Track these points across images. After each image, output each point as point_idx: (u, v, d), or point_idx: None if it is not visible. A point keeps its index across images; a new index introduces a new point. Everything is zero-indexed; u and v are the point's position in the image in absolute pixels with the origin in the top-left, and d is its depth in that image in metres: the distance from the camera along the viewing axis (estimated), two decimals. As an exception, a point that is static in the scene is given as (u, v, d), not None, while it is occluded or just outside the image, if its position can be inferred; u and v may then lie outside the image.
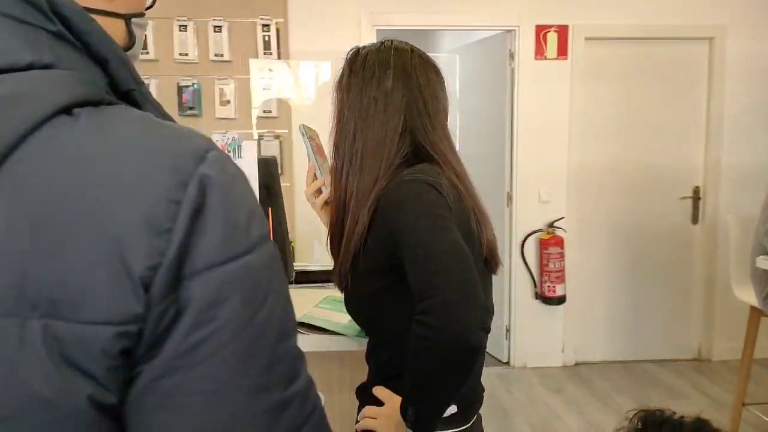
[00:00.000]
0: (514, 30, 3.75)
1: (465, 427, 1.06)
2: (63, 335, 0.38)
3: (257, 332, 0.43)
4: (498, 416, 3.24)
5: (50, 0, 0.45)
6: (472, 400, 1.09)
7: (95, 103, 0.44)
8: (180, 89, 3.42)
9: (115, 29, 0.54)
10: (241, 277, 0.42)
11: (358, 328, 1.23)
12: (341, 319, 1.37)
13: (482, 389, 1.15)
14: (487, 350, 3.72)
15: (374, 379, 1.10)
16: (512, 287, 3.93)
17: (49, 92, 0.42)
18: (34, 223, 0.39)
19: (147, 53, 3.37)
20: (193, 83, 3.42)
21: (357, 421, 1.08)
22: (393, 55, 1.09)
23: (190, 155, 0.43)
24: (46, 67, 0.44)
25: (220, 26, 3.42)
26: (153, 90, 3.38)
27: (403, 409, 0.92)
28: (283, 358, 0.45)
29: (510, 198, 3.91)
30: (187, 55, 3.40)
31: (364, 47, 1.13)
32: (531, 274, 3.89)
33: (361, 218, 1.03)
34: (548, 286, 3.80)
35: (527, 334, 3.94)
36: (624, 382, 3.68)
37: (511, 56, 3.81)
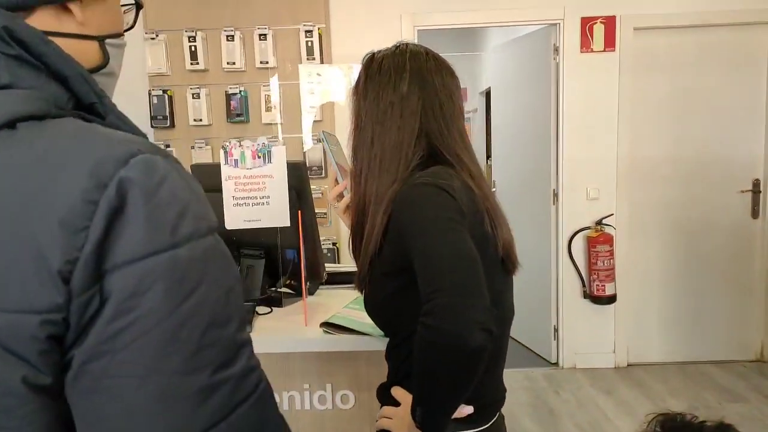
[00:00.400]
0: (558, 23, 3.68)
1: (484, 427, 1.07)
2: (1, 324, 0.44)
3: (182, 320, 0.47)
4: (544, 418, 3.19)
5: (8, 27, 0.51)
6: (490, 400, 1.09)
7: (40, 117, 0.50)
8: (228, 97, 3.54)
9: (88, 50, 0.60)
10: (163, 271, 0.46)
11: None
12: (369, 320, 1.40)
13: (504, 390, 1.15)
14: (534, 351, 3.67)
15: (392, 378, 1.12)
16: (560, 287, 3.86)
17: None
18: None
19: (197, 63, 3.51)
20: (240, 90, 3.54)
21: (376, 421, 1.10)
22: (408, 59, 1.10)
23: (112, 160, 0.47)
24: (5, 87, 0.50)
25: (265, 34, 3.52)
26: (203, 99, 3.53)
27: (413, 410, 0.94)
28: (215, 345, 0.48)
29: (556, 195, 3.84)
30: (234, 63, 3.52)
31: (379, 52, 1.14)
32: (579, 273, 3.80)
33: (378, 221, 1.05)
34: (597, 285, 3.70)
35: (576, 335, 3.86)
36: (679, 384, 3.55)
37: (556, 50, 3.74)
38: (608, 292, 3.70)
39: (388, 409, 1.07)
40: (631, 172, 3.75)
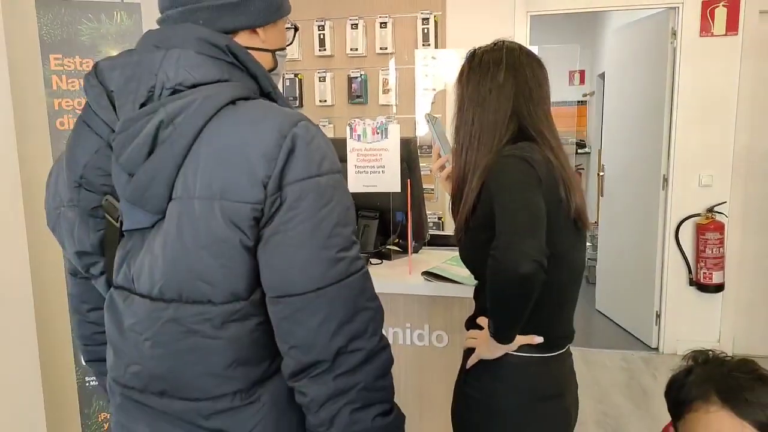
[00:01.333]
0: (678, 7, 3.64)
1: (550, 354, 1.30)
2: (228, 208, 0.78)
3: (322, 218, 0.79)
4: (637, 397, 3.28)
5: (228, 46, 0.86)
6: (559, 334, 1.32)
7: (246, 98, 0.84)
8: (350, 80, 3.91)
9: (265, 58, 0.95)
10: (313, 188, 0.79)
11: (474, 279, 1.51)
12: (462, 273, 1.67)
13: (572, 331, 1.37)
14: (633, 334, 3.75)
15: (478, 312, 1.38)
16: (664, 272, 3.86)
17: (224, 93, 0.82)
18: (217, 158, 0.79)
19: (325, 50, 3.90)
20: (361, 74, 3.89)
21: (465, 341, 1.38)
22: (504, 54, 1.34)
23: (288, 123, 0.80)
24: (226, 80, 0.84)
25: (385, 22, 3.82)
26: (327, 82, 3.92)
27: (489, 324, 1.21)
28: (339, 235, 0.80)
29: (666, 181, 3.82)
30: (357, 49, 3.87)
31: (480, 48, 1.39)
32: (686, 259, 3.78)
33: (474, 185, 1.31)
34: (704, 273, 3.67)
35: (680, 321, 3.85)
36: (788, 379, 3.45)
37: (673, 34, 3.70)
38: (715, 280, 3.66)
39: (473, 332, 1.34)
40: (749, 162, 3.64)
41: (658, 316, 3.93)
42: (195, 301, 0.81)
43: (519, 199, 1.16)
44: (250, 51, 0.89)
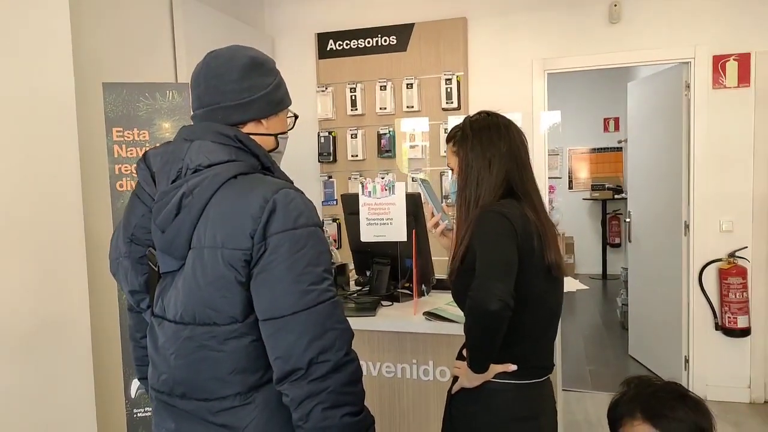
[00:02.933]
0: (690, 61, 3.81)
1: (525, 382, 1.47)
2: (227, 254, 1.04)
3: (296, 260, 1.03)
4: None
5: (235, 135, 1.14)
6: (533, 365, 1.50)
7: (246, 173, 1.11)
8: (379, 136, 4.22)
9: (268, 141, 1.23)
10: (289, 237, 1.03)
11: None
12: (458, 312, 1.87)
13: (550, 363, 1.55)
14: (664, 379, 3.79)
15: (465, 344, 1.59)
16: (690, 317, 3.90)
17: (229, 171, 1.10)
18: (221, 218, 1.06)
19: (356, 109, 4.25)
20: (389, 130, 4.20)
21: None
22: (501, 124, 1.56)
23: (271, 191, 1.06)
24: (233, 160, 1.12)
25: (411, 83, 4.15)
26: (359, 138, 4.25)
27: (466, 355, 1.41)
28: (311, 273, 1.04)
29: (687, 227, 3.91)
30: (385, 108, 4.20)
31: (474, 116, 1.61)
32: (711, 304, 3.82)
33: (465, 235, 1.53)
34: (729, 317, 3.70)
35: (708, 366, 3.85)
36: (821, 427, 3.40)
37: (687, 87, 3.86)
38: (740, 324, 3.68)
39: (457, 362, 1.55)
40: (769, 206, 3.71)
41: (687, 360, 3.94)
42: (204, 323, 1.08)
43: (494, 249, 1.38)
44: (255, 136, 1.18)
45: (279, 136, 1.25)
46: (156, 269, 1.16)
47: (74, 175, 2.25)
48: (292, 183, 1.16)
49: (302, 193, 1.12)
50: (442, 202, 1.67)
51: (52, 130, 2.18)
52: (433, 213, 1.77)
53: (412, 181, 1.81)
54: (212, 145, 1.12)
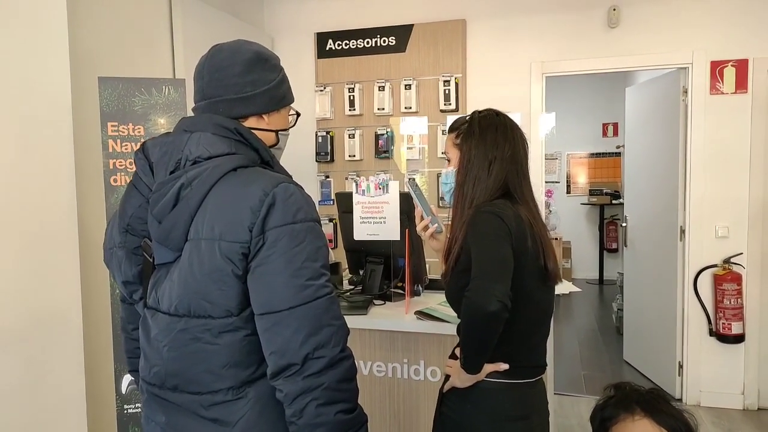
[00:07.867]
0: (687, 67, 3.82)
1: (517, 381, 1.47)
2: (224, 246, 1.03)
3: (294, 254, 1.02)
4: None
5: (236, 128, 1.13)
6: (524, 364, 1.49)
7: (246, 167, 1.11)
8: (377, 137, 4.22)
9: (269, 136, 1.23)
10: (288, 232, 1.03)
11: (458, 318, 1.70)
12: (450, 312, 1.87)
13: (542, 363, 1.54)
14: (658, 384, 3.82)
15: (459, 344, 1.58)
16: (685, 323, 3.90)
17: (229, 163, 1.09)
18: (219, 210, 1.05)
19: (354, 110, 4.25)
20: (387, 131, 4.20)
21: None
22: (507, 124, 1.55)
23: (270, 185, 1.05)
24: (233, 153, 1.11)
25: (410, 84, 4.15)
26: (357, 138, 4.25)
27: (460, 355, 1.41)
28: (309, 268, 1.03)
29: (683, 232, 3.91)
30: (383, 109, 4.20)
31: (482, 113, 1.59)
32: (705, 310, 3.82)
33: (459, 235, 1.52)
34: (723, 323, 3.70)
35: (702, 372, 3.85)
36: (814, 434, 3.40)
37: (685, 92, 3.87)
38: (735, 331, 3.67)
39: (449, 361, 1.54)
40: (765, 213, 3.71)
41: (681, 366, 3.94)
42: (199, 316, 1.07)
43: (489, 249, 1.38)
44: (256, 131, 1.18)
45: (280, 132, 1.25)
46: (151, 260, 1.15)
47: (68, 168, 2.24)
48: (292, 178, 1.15)
49: (301, 188, 1.11)
50: (437, 203, 1.66)
51: (47, 123, 2.17)
52: (422, 216, 1.75)
53: (407, 181, 1.79)
54: (212, 137, 1.12)
